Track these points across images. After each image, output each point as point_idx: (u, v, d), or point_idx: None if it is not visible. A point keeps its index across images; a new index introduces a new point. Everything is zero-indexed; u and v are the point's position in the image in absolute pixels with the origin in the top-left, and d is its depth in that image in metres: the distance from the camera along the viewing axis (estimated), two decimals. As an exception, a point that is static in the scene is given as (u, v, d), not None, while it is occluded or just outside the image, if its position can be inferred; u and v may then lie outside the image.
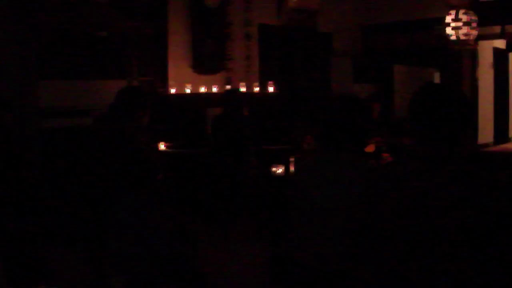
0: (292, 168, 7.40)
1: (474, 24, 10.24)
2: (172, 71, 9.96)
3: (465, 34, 10.24)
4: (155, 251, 4.21)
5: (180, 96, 9.87)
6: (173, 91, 9.80)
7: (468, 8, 10.27)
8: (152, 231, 4.24)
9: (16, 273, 5.61)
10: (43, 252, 6.03)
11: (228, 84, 10.37)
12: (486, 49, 12.77)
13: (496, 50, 13.34)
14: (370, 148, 7.37)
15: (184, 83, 9.93)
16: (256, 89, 10.89)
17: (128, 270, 4.24)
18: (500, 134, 13.61)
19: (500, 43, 13.25)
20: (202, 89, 10.11)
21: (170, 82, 9.83)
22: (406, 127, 2.77)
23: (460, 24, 10.20)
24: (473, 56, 11.55)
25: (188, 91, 9.96)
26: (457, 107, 2.64)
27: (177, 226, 4.87)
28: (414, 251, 2.51)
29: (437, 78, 13.03)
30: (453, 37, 10.29)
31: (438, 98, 2.66)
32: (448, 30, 10.31)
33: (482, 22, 10.38)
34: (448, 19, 10.30)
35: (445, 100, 2.65)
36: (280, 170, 7.68)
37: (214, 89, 10.20)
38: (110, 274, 4.52)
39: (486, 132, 12.77)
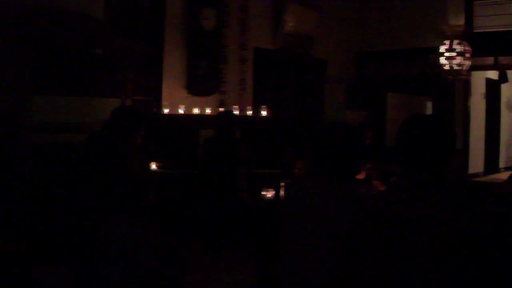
0: (282, 193, 7.41)
1: (467, 55, 10.31)
2: (166, 92, 9.96)
3: (459, 64, 10.31)
4: (143, 271, 4.20)
5: (173, 116, 9.88)
6: (166, 111, 9.81)
7: (462, 38, 10.35)
8: (140, 252, 4.23)
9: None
10: (29, 269, 6.01)
11: (221, 107, 10.38)
12: (479, 80, 12.84)
13: (489, 81, 13.42)
14: (361, 175, 7.38)
15: (177, 104, 9.94)
16: (249, 113, 10.91)
17: (115, 290, 4.23)
18: (490, 164, 13.65)
19: (493, 74, 13.33)
20: (196, 111, 10.12)
21: (164, 102, 9.83)
22: (396, 155, 2.78)
23: (454, 54, 10.28)
24: (466, 86, 11.63)
25: (181, 112, 9.97)
26: (442, 137, 2.68)
27: (165, 247, 4.86)
28: (403, 281, 2.52)
29: (429, 107, 13.07)
30: (447, 67, 10.35)
31: (424, 129, 2.70)
32: (442, 60, 10.37)
33: (476, 53, 10.46)
34: (442, 49, 10.37)
35: (431, 131, 2.69)
36: (270, 194, 7.69)
37: (208, 111, 10.22)
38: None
39: (476, 162, 12.81)
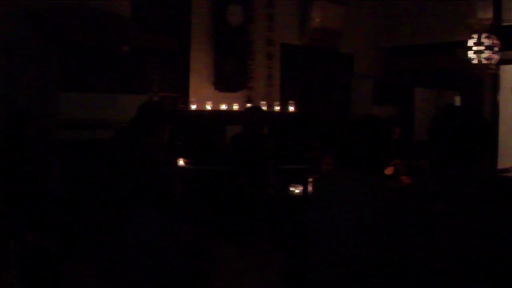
0: (310, 188, 7.39)
1: (496, 48, 10.21)
2: (193, 88, 9.99)
3: (487, 58, 10.21)
4: (171, 267, 4.21)
5: (201, 113, 9.91)
6: (193, 107, 9.84)
7: (491, 32, 10.25)
8: (168, 247, 4.24)
9: (32, 286, 5.62)
10: (58, 265, 6.05)
11: (248, 103, 10.38)
12: (508, 73, 12.69)
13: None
14: (389, 170, 7.34)
15: (204, 100, 9.96)
16: (277, 108, 10.90)
17: (143, 286, 4.24)
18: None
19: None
20: (223, 107, 10.14)
21: (191, 98, 9.86)
22: (426, 149, 2.72)
23: (482, 48, 10.18)
24: (495, 80, 11.51)
25: (208, 108, 9.99)
26: (476, 129, 2.60)
27: (193, 242, 4.87)
28: (429, 274, 2.48)
29: (458, 102, 12.95)
30: (475, 61, 10.26)
31: (458, 121, 2.62)
32: (470, 54, 10.28)
33: (505, 47, 10.35)
34: (470, 43, 10.28)
35: (465, 123, 2.61)
36: (298, 190, 7.67)
37: (235, 107, 10.24)
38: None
39: (506, 157, 12.67)
